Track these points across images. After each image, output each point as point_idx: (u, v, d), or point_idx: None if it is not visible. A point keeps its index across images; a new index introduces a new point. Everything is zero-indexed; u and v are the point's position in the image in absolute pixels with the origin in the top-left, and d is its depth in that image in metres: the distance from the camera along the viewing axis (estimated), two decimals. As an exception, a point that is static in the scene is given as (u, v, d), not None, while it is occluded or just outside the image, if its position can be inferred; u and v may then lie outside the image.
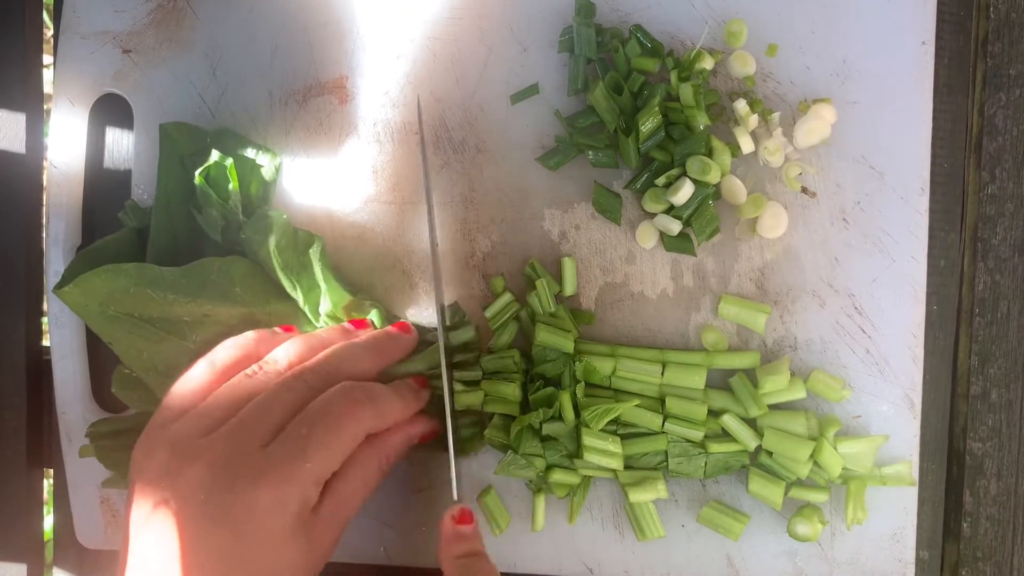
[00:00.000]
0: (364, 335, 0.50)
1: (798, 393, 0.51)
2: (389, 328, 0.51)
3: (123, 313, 0.49)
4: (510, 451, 0.51)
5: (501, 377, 0.51)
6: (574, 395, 0.51)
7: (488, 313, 0.53)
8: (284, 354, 0.47)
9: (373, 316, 0.52)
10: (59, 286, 0.49)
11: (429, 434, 0.51)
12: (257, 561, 0.41)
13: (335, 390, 0.45)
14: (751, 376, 0.52)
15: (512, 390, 0.51)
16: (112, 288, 0.49)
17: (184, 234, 0.53)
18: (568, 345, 0.50)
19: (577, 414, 0.51)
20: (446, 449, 0.50)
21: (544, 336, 0.50)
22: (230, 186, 0.52)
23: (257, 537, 0.41)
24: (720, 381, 0.53)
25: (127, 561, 0.41)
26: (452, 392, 0.51)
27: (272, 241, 0.50)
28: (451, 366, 0.52)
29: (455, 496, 0.49)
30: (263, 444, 0.42)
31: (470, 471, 0.54)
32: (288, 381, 0.45)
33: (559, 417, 0.51)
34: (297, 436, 0.42)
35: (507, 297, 0.53)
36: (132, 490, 0.42)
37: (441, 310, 0.52)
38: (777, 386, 0.50)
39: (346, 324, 0.51)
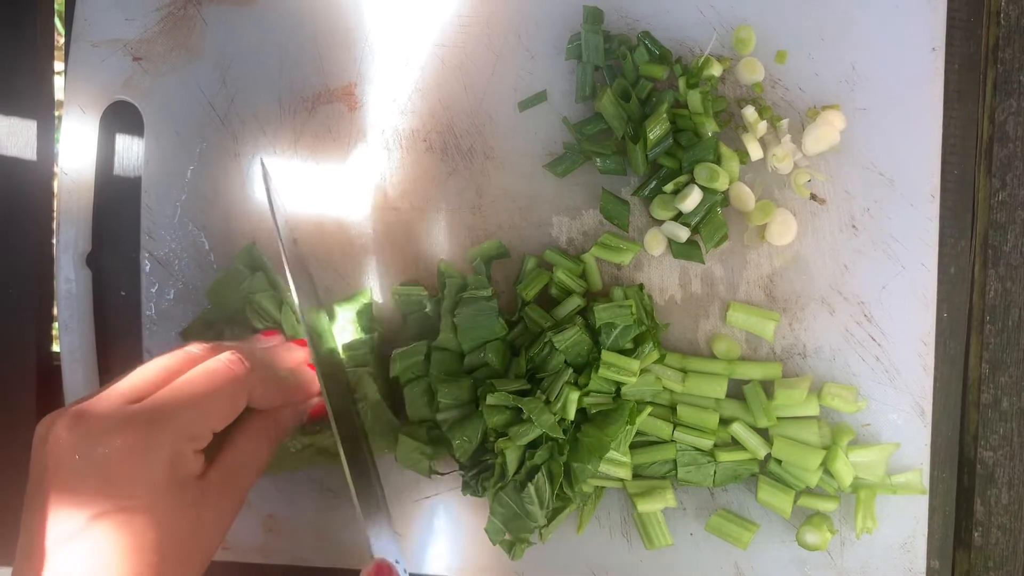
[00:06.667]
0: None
1: (811, 410, 0.51)
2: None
3: None
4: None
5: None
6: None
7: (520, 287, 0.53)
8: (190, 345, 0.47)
9: None
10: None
11: (318, 409, 0.50)
12: (136, 516, 0.39)
13: (219, 356, 0.44)
14: (766, 385, 0.52)
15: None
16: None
17: None
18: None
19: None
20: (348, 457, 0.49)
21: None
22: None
23: (129, 489, 0.39)
24: (731, 389, 0.53)
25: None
26: (347, 424, 0.50)
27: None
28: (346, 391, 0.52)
29: (371, 553, 0.48)
30: (130, 401, 0.42)
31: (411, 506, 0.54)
32: (171, 352, 0.44)
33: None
34: (170, 392, 0.42)
35: (536, 270, 0.53)
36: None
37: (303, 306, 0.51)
38: (792, 400, 0.50)
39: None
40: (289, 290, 0.51)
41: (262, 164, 0.55)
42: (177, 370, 0.43)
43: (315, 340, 0.50)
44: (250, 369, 0.44)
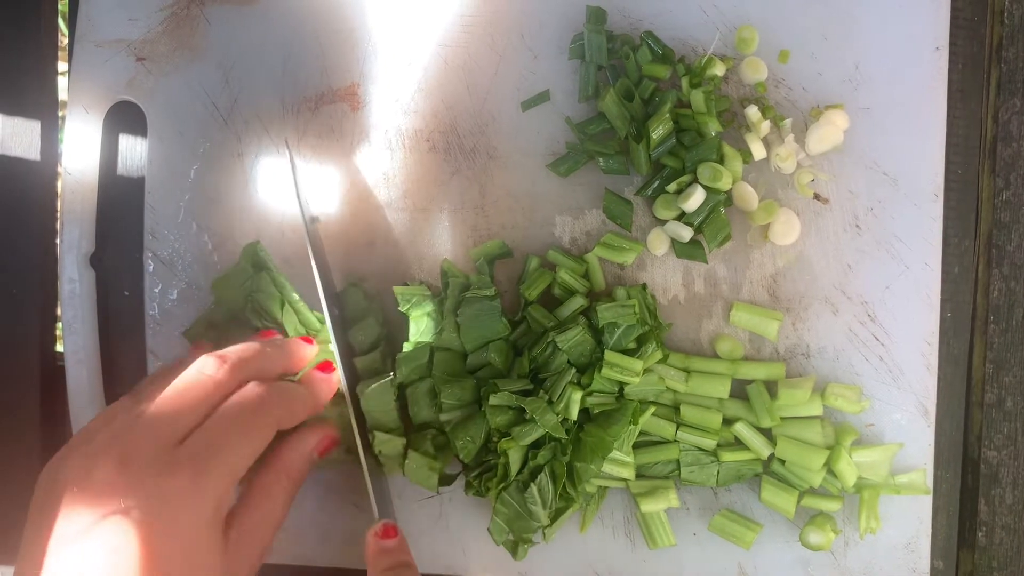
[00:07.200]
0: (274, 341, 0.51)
1: (815, 410, 0.51)
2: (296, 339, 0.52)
3: None
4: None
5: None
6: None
7: (523, 288, 0.52)
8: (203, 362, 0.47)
9: None
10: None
11: (327, 444, 0.50)
12: (177, 559, 0.39)
13: (245, 389, 0.45)
14: (770, 385, 0.52)
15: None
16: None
17: None
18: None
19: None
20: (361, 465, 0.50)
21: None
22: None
23: (176, 532, 0.39)
24: (734, 389, 0.53)
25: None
26: (360, 411, 0.51)
27: None
28: (355, 377, 0.52)
29: (376, 515, 0.49)
30: (177, 441, 0.42)
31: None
32: (191, 375, 0.45)
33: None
34: (211, 432, 0.42)
35: (539, 270, 0.53)
36: (39, 507, 0.40)
37: (329, 298, 0.52)
38: (795, 401, 0.50)
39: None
40: (312, 274, 0.51)
41: (287, 145, 0.55)
42: (209, 401, 0.44)
43: (335, 322, 0.51)
44: (272, 392, 0.45)
